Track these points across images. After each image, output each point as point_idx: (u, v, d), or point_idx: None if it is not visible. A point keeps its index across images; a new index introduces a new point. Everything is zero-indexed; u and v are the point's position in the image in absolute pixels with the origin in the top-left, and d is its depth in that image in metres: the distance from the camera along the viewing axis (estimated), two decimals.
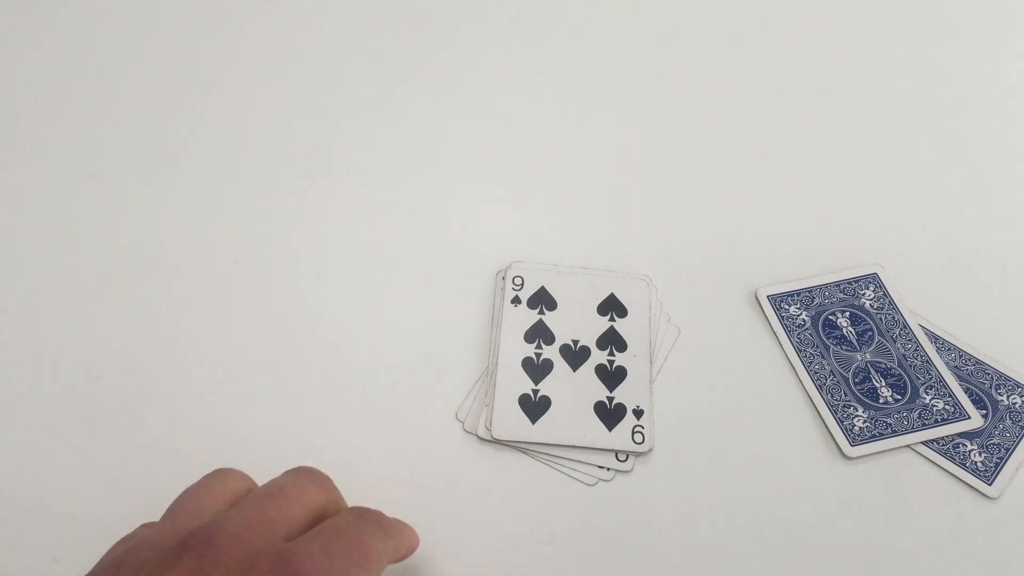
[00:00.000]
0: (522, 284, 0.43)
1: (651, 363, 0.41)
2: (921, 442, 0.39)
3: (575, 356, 0.40)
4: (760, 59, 0.54)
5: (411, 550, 0.30)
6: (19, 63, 0.52)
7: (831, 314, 0.43)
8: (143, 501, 0.36)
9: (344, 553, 0.26)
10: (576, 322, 0.41)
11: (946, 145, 0.51)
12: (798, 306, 0.43)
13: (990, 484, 0.38)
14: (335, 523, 0.28)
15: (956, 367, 0.41)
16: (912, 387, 0.41)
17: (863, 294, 0.44)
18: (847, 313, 0.43)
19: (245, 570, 0.24)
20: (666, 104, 0.52)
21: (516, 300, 0.42)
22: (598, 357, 0.40)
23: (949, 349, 0.42)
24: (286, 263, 0.44)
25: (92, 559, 0.35)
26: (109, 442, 0.38)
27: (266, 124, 0.50)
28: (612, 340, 0.41)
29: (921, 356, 0.42)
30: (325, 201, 0.47)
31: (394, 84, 0.52)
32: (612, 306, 0.42)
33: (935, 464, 0.39)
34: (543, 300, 0.42)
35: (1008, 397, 0.40)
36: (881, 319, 0.43)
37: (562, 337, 0.41)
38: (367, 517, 0.29)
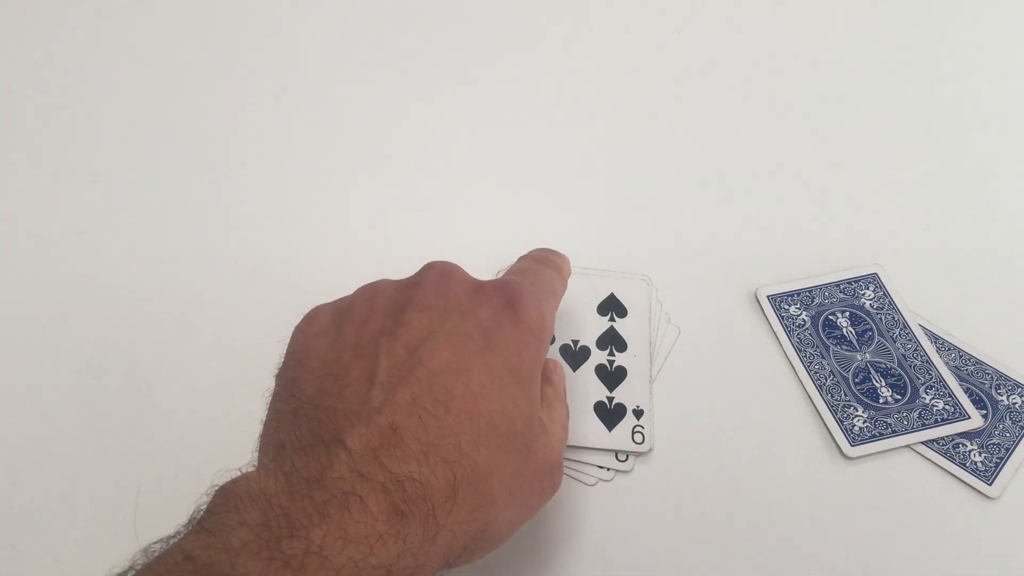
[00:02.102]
0: None
1: (651, 363, 0.41)
2: (921, 442, 0.39)
3: (575, 356, 0.40)
4: (760, 59, 0.54)
5: (569, 273, 0.38)
6: (20, 63, 0.52)
7: (831, 314, 0.43)
8: (144, 501, 0.36)
9: (541, 285, 0.34)
10: (576, 322, 0.41)
11: (946, 145, 0.51)
12: (798, 306, 0.43)
13: (990, 484, 0.38)
14: (528, 266, 0.36)
15: (956, 367, 0.41)
16: (912, 387, 0.41)
17: (863, 294, 0.44)
18: (847, 313, 0.43)
19: (476, 287, 0.31)
20: (666, 104, 0.52)
21: None
22: (598, 357, 0.40)
23: (949, 349, 0.42)
24: (287, 263, 0.44)
25: (92, 559, 0.35)
26: (110, 442, 0.38)
27: (267, 124, 0.50)
28: (612, 340, 0.41)
29: (921, 356, 0.42)
30: (325, 201, 0.47)
31: (395, 84, 0.52)
32: (612, 306, 0.42)
33: (935, 464, 0.38)
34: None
35: (1008, 397, 0.40)
36: (881, 319, 0.43)
37: (562, 337, 0.41)
38: (544, 261, 0.37)
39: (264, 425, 0.29)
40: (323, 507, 0.24)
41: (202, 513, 0.25)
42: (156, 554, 0.23)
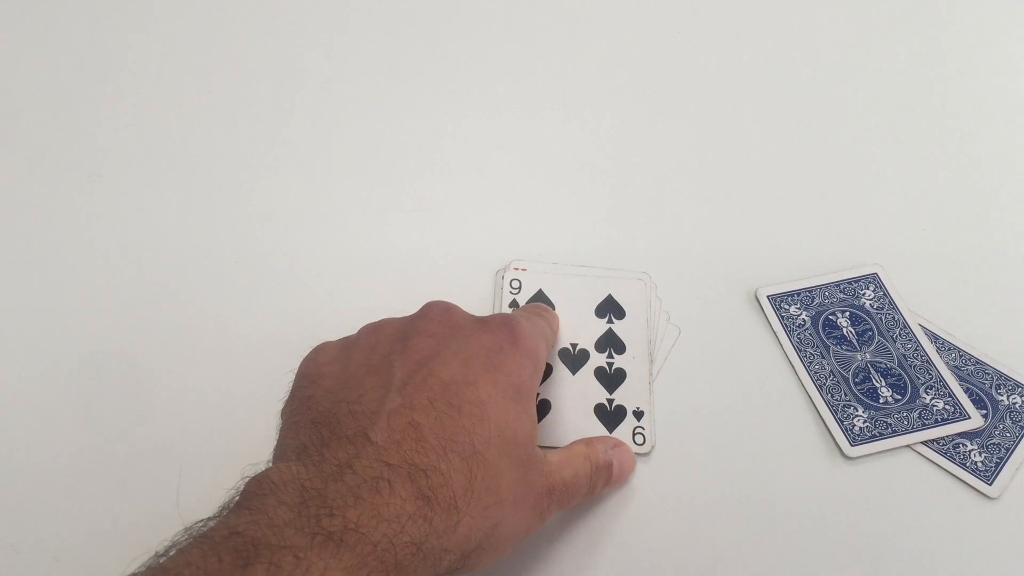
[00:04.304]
0: (519, 287, 0.42)
1: (651, 363, 0.41)
2: (921, 442, 0.39)
3: (574, 359, 0.40)
4: (760, 58, 0.54)
5: (556, 333, 0.41)
6: (19, 63, 0.52)
7: (831, 314, 0.43)
8: (144, 501, 0.36)
9: (537, 325, 0.37)
10: (574, 325, 0.41)
11: (946, 145, 0.51)
12: (798, 306, 0.43)
13: (990, 484, 0.38)
14: (521, 312, 0.40)
15: (956, 367, 0.41)
16: (912, 387, 0.41)
17: (863, 294, 0.44)
18: (847, 313, 0.43)
19: (477, 319, 0.34)
20: (666, 103, 0.52)
21: (513, 304, 0.42)
22: (597, 360, 0.40)
23: (949, 349, 0.42)
24: (286, 262, 0.44)
25: (92, 559, 0.35)
26: (109, 441, 0.38)
27: (266, 123, 0.50)
28: (611, 342, 0.41)
29: (921, 356, 0.42)
30: (326, 201, 0.47)
31: (394, 83, 0.52)
32: (610, 308, 0.42)
33: (935, 464, 0.38)
34: (541, 303, 0.42)
35: (1008, 397, 0.40)
36: (881, 319, 0.43)
37: (561, 341, 0.41)
38: (536, 312, 0.40)
39: (280, 435, 0.31)
40: (356, 489, 0.25)
41: (239, 496, 0.26)
42: (198, 533, 0.24)
